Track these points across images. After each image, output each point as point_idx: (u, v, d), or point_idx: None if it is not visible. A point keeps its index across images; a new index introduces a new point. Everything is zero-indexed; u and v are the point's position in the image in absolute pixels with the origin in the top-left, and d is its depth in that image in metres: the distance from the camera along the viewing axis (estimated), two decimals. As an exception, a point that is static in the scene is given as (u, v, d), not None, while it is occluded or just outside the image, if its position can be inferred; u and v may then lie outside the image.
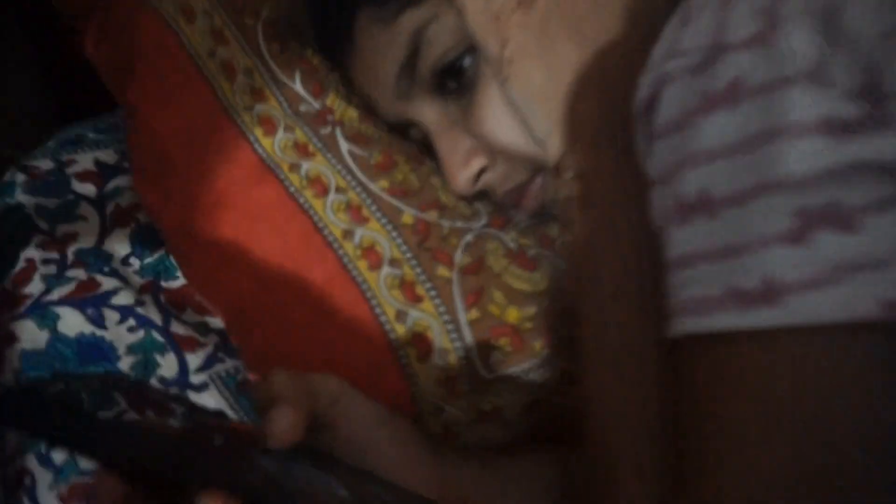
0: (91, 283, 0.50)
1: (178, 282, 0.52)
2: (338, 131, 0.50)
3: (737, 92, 0.29)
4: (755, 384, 0.29)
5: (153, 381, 0.46)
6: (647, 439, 0.36)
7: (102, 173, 0.58)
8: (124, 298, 0.50)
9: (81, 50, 0.61)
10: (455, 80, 0.46)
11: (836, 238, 0.27)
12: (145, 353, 0.47)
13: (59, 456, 0.43)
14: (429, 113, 0.48)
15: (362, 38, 0.48)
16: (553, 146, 0.43)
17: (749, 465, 0.29)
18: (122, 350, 0.47)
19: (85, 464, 0.42)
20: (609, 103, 0.39)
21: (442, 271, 0.45)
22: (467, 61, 0.45)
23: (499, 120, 0.45)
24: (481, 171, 0.48)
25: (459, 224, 0.48)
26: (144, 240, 0.54)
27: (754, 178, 0.29)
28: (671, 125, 0.32)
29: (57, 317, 0.48)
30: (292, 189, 0.47)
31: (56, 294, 0.49)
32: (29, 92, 0.67)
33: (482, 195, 0.51)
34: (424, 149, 0.53)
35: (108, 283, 0.50)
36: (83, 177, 0.57)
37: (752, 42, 0.29)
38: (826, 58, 0.28)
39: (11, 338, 0.47)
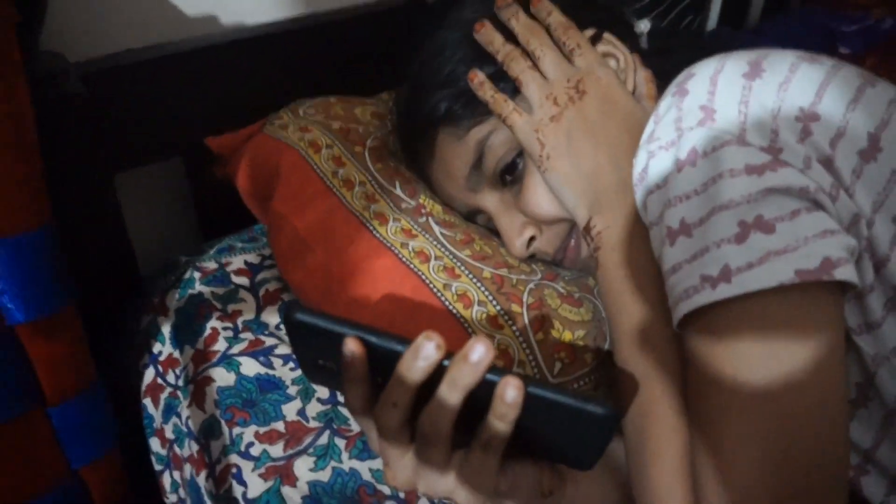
0: (258, 342, 0.69)
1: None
2: (430, 220, 0.69)
3: (694, 156, 0.48)
4: (730, 348, 0.44)
5: (314, 401, 0.63)
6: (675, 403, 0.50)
7: (251, 270, 0.78)
8: (283, 350, 0.68)
9: (218, 178, 0.83)
10: (510, 174, 0.66)
11: (763, 237, 0.44)
12: (305, 384, 0.65)
13: (255, 450, 0.60)
14: (491, 200, 0.68)
15: (441, 150, 0.68)
16: (580, 214, 0.61)
17: (735, 387, 0.44)
18: (288, 382, 0.65)
19: (274, 453, 0.59)
20: (621, 179, 0.58)
21: (515, 308, 0.63)
22: (518, 161, 0.65)
23: (541, 198, 0.64)
24: (531, 240, 0.67)
25: (523, 276, 0.66)
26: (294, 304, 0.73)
27: (710, 206, 0.46)
28: (657, 184, 0.51)
29: (239, 364, 0.66)
30: (404, 259, 0.66)
31: (236, 349, 0.68)
32: (185, 214, 0.89)
33: (535, 258, 0.70)
34: (488, 230, 0.72)
35: (269, 341, 0.69)
36: (238, 273, 0.77)
37: (699, 124, 0.48)
38: (744, 129, 0.47)
39: (209, 380, 0.65)
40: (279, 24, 0.85)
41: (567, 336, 0.63)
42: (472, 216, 0.73)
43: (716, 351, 0.45)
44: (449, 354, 0.44)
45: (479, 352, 0.43)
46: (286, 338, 0.71)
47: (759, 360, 0.44)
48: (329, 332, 0.46)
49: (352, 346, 0.45)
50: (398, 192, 0.72)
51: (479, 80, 0.64)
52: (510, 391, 0.43)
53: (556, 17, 0.64)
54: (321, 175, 0.73)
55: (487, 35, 0.65)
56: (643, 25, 0.74)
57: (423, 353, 0.44)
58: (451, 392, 0.44)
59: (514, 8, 0.65)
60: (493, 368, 0.44)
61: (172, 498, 0.67)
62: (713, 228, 0.45)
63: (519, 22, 0.64)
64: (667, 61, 0.67)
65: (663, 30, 0.79)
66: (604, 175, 0.59)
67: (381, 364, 0.46)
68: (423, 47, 0.69)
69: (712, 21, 1.28)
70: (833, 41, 0.95)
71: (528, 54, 0.64)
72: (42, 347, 0.59)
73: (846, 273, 0.43)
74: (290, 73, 0.86)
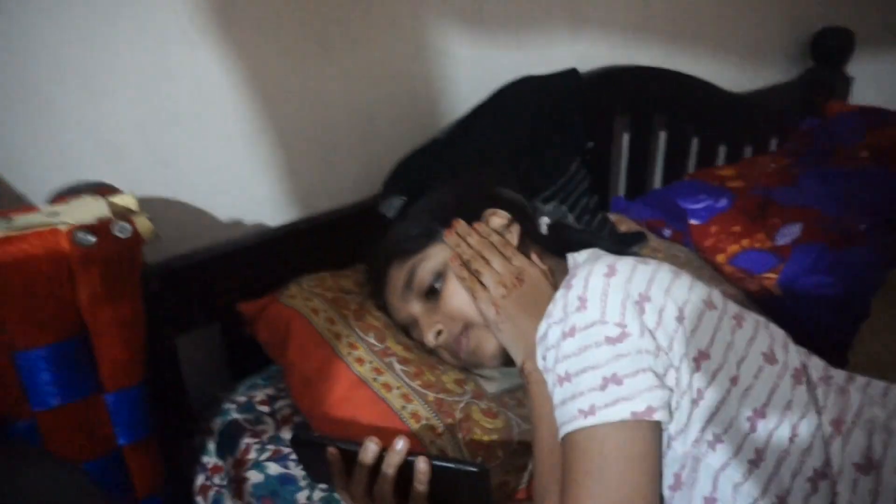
0: (278, 451, 0.99)
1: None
2: (393, 360, 1.01)
3: (574, 331, 0.77)
4: (590, 453, 0.72)
5: (317, 490, 0.94)
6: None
7: (270, 401, 1.09)
8: (294, 457, 0.99)
9: (246, 334, 1.15)
10: (431, 291, 0.98)
11: (616, 387, 0.73)
12: (310, 480, 0.96)
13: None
14: (417, 307, 1.00)
15: (390, 275, 1.01)
16: (518, 359, 0.90)
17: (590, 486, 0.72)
18: (300, 478, 0.96)
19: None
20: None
21: (449, 421, 0.95)
22: (436, 282, 0.97)
23: (457, 301, 0.95)
24: (439, 333, 0.97)
25: (456, 398, 0.98)
26: (299, 429, 1.04)
27: (584, 365, 0.75)
28: (552, 345, 0.79)
29: (266, 467, 0.97)
30: (375, 389, 0.97)
31: (263, 457, 0.98)
32: (216, 360, 1.21)
33: (469, 376, 1.02)
34: (420, 345, 1.04)
35: (285, 450, 1.00)
36: (261, 403, 1.09)
37: (577, 310, 0.78)
38: (604, 311, 0.76)
39: (246, 479, 0.96)
40: (286, 226, 1.21)
41: (485, 439, 0.94)
42: (408, 327, 1.04)
43: (578, 456, 0.73)
44: (385, 449, 0.78)
45: (400, 444, 0.78)
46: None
47: (602, 464, 0.72)
48: (318, 445, 0.81)
49: (331, 451, 0.80)
50: (372, 340, 1.04)
51: (458, 263, 0.96)
52: (421, 464, 0.77)
53: (496, 237, 0.97)
54: (319, 332, 1.06)
55: (455, 239, 0.97)
56: (544, 220, 1.09)
57: (369, 448, 0.78)
58: (387, 468, 0.78)
59: (467, 229, 0.98)
60: (413, 454, 0.77)
61: (221, 563, 0.96)
62: (585, 380, 0.74)
63: (474, 238, 0.97)
64: (562, 243, 1.02)
65: (557, 223, 1.14)
66: (533, 335, 0.87)
67: (352, 460, 0.80)
68: (385, 233, 1.05)
69: (620, 190, 1.65)
70: (686, 215, 1.29)
71: (482, 257, 0.96)
72: (136, 461, 0.91)
73: (661, 416, 0.73)
74: (296, 257, 1.20)
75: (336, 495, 0.93)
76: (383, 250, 1.04)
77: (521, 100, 1.30)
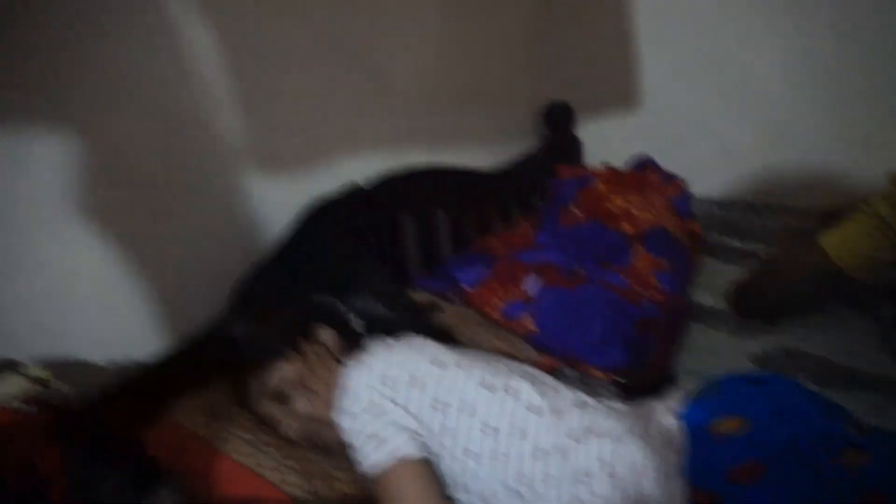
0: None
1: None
2: (271, 449, 1.38)
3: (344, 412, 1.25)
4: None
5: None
6: None
7: None
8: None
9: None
10: (284, 395, 1.40)
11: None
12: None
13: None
14: (274, 408, 1.40)
15: (251, 386, 1.41)
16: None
17: None
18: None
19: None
20: None
21: (317, 482, 1.32)
22: (288, 389, 1.39)
23: (304, 406, 1.38)
24: (294, 428, 1.40)
25: (314, 464, 1.36)
26: None
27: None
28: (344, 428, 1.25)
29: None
30: (258, 472, 1.33)
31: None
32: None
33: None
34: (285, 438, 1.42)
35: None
36: None
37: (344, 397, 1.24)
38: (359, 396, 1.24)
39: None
40: (160, 359, 1.53)
41: (345, 489, 1.33)
42: (271, 423, 1.42)
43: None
44: None
45: None
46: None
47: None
48: None
49: None
50: (248, 437, 1.40)
51: (299, 382, 1.39)
52: None
53: (321, 350, 1.42)
54: (206, 439, 1.40)
55: (295, 361, 1.41)
56: (356, 322, 1.50)
57: None
58: None
59: (306, 349, 1.43)
60: None
61: None
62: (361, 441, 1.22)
63: (309, 356, 1.41)
64: (378, 332, 1.44)
65: (369, 316, 1.57)
66: None
67: None
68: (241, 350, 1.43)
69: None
70: (458, 282, 1.75)
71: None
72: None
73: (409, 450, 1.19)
74: (172, 385, 1.53)
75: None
76: (244, 365, 1.42)
77: (319, 222, 1.73)
